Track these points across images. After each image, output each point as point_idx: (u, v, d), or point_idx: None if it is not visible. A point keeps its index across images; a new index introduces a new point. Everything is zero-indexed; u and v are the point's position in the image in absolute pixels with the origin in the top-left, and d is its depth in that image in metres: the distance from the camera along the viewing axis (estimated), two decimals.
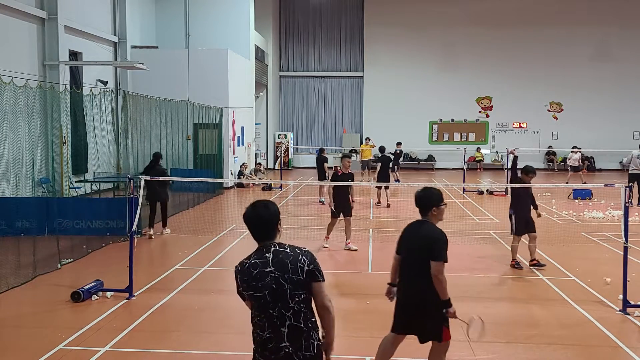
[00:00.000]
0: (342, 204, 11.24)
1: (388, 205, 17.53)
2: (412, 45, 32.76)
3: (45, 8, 16.58)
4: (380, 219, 15.66)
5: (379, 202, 17.97)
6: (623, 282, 7.77)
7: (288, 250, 3.65)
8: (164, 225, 13.07)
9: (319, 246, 11.42)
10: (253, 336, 3.69)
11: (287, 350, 3.55)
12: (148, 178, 9.46)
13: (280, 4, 33.65)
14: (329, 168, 18.24)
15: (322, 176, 18.31)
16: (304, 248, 3.73)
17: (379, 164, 18.00)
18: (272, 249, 3.65)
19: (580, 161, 24.54)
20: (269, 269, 3.58)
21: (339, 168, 11.95)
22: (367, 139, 27.85)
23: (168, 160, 18.12)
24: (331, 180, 11.66)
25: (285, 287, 3.56)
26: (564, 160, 32.49)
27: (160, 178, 11.33)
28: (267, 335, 3.58)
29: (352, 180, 11.39)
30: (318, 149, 20.11)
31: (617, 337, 6.88)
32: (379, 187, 18.02)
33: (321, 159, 18.69)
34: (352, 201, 11.52)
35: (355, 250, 11.22)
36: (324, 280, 3.70)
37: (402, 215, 15.76)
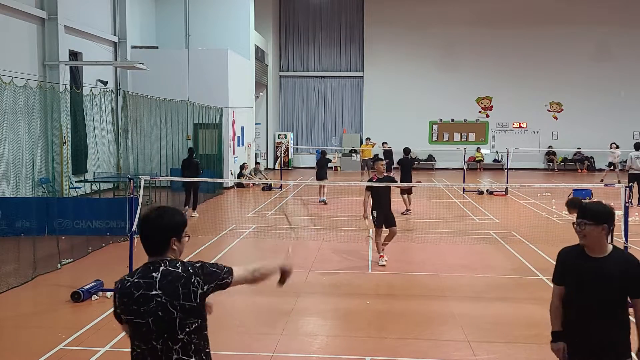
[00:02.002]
0: (384, 212, 10.11)
1: (407, 211, 16.02)
2: (412, 45, 32.75)
3: (45, 8, 16.58)
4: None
5: (408, 210, 16.07)
6: None
7: (180, 271, 2.97)
8: (194, 209, 15.59)
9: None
10: None
11: None
12: (148, 178, 9.47)
13: (280, 4, 33.64)
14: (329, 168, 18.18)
15: (322, 176, 18.30)
16: (198, 264, 3.05)
17: (399, 167, 16.71)
18: (161, 268, 2.97)
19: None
20: (154, 292, 2.92)
21: (373, 174, 10.69)
22: (368, 138, 27.86)
23: (168, 161, 18.14)
24: (367, 188, 10.27)
25: (174, 316, 2.92)
26: (564, 160, 32.57)
27: (170, 178, 11.33)
28: None
29: (391, 186, 10.28)
30: (319, 150, 19.99)
31: None
32: (403, 193, 15.99)
33: (325, 161, 18.87)
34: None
35: (384, 265, 10.08)
36: (230, 277, 3.15)
37: (402, 215, 15.77)
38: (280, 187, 22.20)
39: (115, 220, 12.13)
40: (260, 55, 28.65)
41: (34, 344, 6.53)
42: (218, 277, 3.09)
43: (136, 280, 2.99)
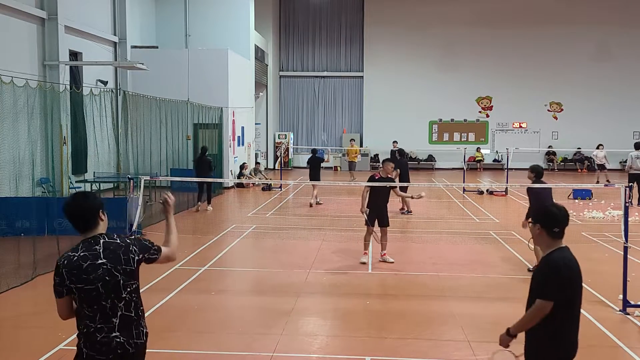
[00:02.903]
0: (379, 212, 10.28)
1: (408, 212, 15.93)
2: (412, 45, 32.75)
3: (45, 8, 16.58)
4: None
5: (408, 211, 16.00)
6: (623, 282, 7.77)
7: (119, 241, 3.67)
8: (209, 203, 16.57)
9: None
10: (79, 329, 3.62)
11: (118, 340, 3.56)
12: (148, 178, 9.47)
13: (280, 4, 33.65)
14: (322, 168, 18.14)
15: (317, 176, 17.74)
16: (132, 236, 3.81)
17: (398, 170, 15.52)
18: (102, 241, 3.62)
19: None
20: (100, 261, 3.55)
21: (378, 172, 10.70)
22: (352, 140, 27.81)
23: (168, 161, 18.14)
24: (368, 184, 10.34)
25: (118, 279, 3.57)
26: (564, 160, 32.58)
27: (170, 178, 11.34)
28: (98, 326, 3.55)
29: (392, 187, 10.40)
30: (311, 149, 19.55)
31: (617, 337, 6.88)
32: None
33: (318, 160, 18.20)
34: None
35: (392, 262, 10.25)
36: (158, 253, 3.82)
37: (402, 215, 15.76)
38: (280, 187, 22.20)
39: (115, 220, 12.09)
40: (260, 55, 28.65)
41: (34, 344, 6.53)
42: (149, 251, 3.79)
43: (82, 254, 3.56)
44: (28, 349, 6.43)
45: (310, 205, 17.33)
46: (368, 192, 10.23)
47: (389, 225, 10.47)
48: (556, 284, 3.71)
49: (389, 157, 14.46)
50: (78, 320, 3.65)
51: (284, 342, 6.65)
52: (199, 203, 16.49)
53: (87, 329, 3.57)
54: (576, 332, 3.89)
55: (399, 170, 15.01)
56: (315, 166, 17.91)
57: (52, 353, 6.24)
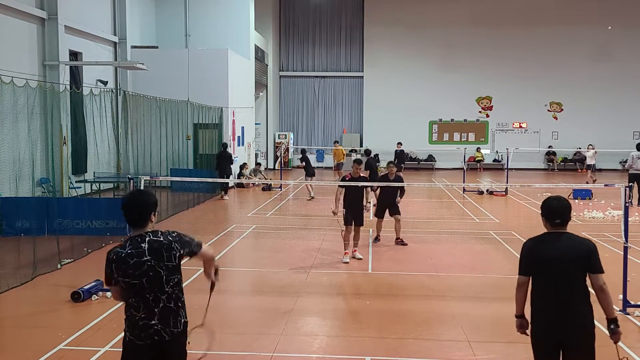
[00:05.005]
0: (354, 211, 10.51)
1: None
2: (412, 45, 32.76)
3: (45, 8, 16.58)
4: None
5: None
6: (623, 282, 7.77)
7: (162, 239, 3.93)
8: (226, 193, 19.07)
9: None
10: (126, 315, 3.95)
11: (155, 327, 3.87)
12: (148, 178, 9.48)
13: (280, 4, 33.65)
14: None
15: (312, 172, 20.16)
16: (174, 232, 4.03)
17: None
18: (147, 239, 3.90)
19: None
20: (145, 259, 3.85)
21: (349, 173, 11.00)
22: (336, 141, 27.77)
23: (168, 161, 18.13)
24: (340, 185, 10.67)
25: (161, 274, 3.89)
26: (564, 160, 32.58)
27: (170, 178, 11.35)
28: (142, 315, 3.87)
29: (364, 186, 10.60)
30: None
31: None
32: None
33: (307, 158, 20.52)
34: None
35: (361, 259, 10.61)
36: (198, 249, 4.11)
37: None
38: (280, 187, 22.20)
39: (115, 220, 12.12)
40: (260, 55, 28.65)
41: (34, 344, 6.53)
42: (190, 246, 4.05)
43: (129, 251, 3.87)
44: (28, 349, 6.43)
45: (312, 198, 18.99)
46: (342, 194, 10.56)
47: (363, 225, 10.84)
48: (520, 260, 4.47)
49: (360, 158, 14.98)
50: (125, 307, 3.99)
51: (284, 342, 6.65)
52: (222, 192, 18.96)
53: (131, 316, 3.92)
54: (553, 312, 4.28)
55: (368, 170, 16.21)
56: (309, 162, 20.40)
57: (52, 353, 6.24)
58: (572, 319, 4.23)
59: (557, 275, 4.25)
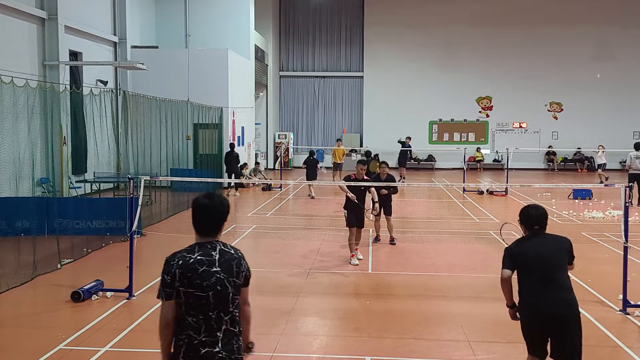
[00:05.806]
0: (357, 212, 10.41)
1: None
2: (412, 45, 32.76)
3: (45, 8, 16.58)
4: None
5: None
6: (623, 282, 7.77)
7: (233, 252, 3.49)
8: (236, 189, 20.45)
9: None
10: (179, 337, 3.35)
11: (220, 355, 3.32)
12: (148, 178, 9.48)
13: (280, 4, 33.65)
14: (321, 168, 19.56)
15: (312, 176, 19.75)
16: (240, 251, 3.58)
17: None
18: (219, 248, 3.44)
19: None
20: (215, 269, 3.36)
21: (353, 173, 10.84)
22: (339, 140, 27.75)
23: (168, 161, 18.13)
24: (344, 185, 10.44)
25: (229, 291, 3.39)
26: (564, 160, 32.58)
27: (170, 178, 11.34)
28: (203, 339, 3.31)
29: (367, 187, 10.42)
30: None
31: (617, 337, 6.88)
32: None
33: (314, 161, 20.20)
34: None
35: (361, 259, 10.49)
36: (248, 284, 3.60)
37: (401, 216, 15.76)
38: (280, 187, 22.21)
39: (115, 220, 12.13)
40: (260, 55, 28.65)
41: (34, 344, 6.53)
42: (249, 273, 3.57)
43: (198, 258, 3.35)
44: (28, 349, 6.42)
45: (312, 197, 19.13)
46: (348, 191, 10.32)
47: (363, 227, 10.71)
48: (504, 256, 5.06)
49: (364, 159, 15.34)
50: (178, 328, 3.36)
51: (284, 342, 6.65)
52: (233, 189, 20.26)
53: (189, 340, 3.32)
54: (539, 297, 4.73)
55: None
56: (311, 166, 19.94)
57: (52, 353, 6.24)
58: (565, 302, 4.71)
59: (550, 265, 4.79)
